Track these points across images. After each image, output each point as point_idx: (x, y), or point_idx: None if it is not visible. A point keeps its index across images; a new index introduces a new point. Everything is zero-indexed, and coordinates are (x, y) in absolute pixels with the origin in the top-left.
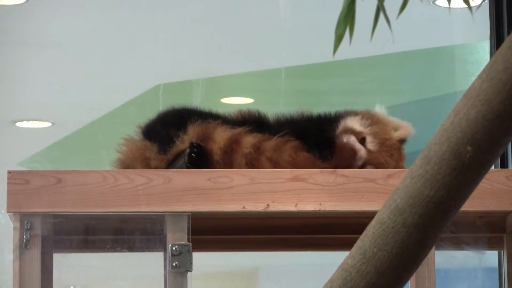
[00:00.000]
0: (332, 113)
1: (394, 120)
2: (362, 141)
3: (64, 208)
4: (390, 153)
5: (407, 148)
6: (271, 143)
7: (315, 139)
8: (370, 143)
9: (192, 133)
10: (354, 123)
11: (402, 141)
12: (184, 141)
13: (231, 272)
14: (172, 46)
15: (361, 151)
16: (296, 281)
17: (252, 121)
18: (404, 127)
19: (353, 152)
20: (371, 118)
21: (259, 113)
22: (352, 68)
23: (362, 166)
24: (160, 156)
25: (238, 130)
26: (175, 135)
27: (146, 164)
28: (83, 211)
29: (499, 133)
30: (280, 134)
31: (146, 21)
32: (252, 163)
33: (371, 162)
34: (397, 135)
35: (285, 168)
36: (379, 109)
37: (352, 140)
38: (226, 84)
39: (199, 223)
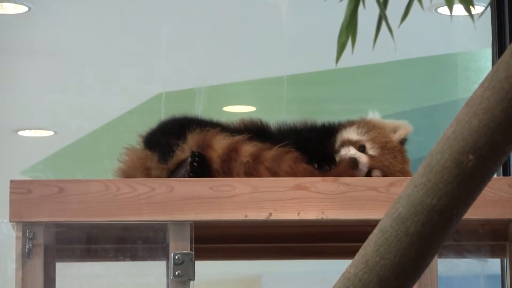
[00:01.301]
0: (336, 123)
1: (390, 122)
2: (362, 148)
3: (67, 217)
4: (393, 155)
5: (409, 156)
6: (271, 153)
7: (316, 151)
8: (371, 149)
9: (191, 141)
10: (350, 133)
11: (402, 141)
12: (183, 150)
13: (233, 280)
14: (174, 55)
15: (362, 158)
16: None
17: (254, 130)
18: (401, 127)
19: (353, 163)
20: (367, 125)
21: (261, 122)
22: (354, 76)
23: (369, 173)
24: (161, 166)
25: (237, 138)
26: (175, 144)
27: (147, 173)
28: (86, 220)
29: (501, 142)
30: (281, 144)
31: (148, 30)
32: (251, 172)
33: (376, 166)
34: (396, 136)
35: None
36: (373, 115)
37: (352, 151)
38: (228, 92)
39: (201, 232)
